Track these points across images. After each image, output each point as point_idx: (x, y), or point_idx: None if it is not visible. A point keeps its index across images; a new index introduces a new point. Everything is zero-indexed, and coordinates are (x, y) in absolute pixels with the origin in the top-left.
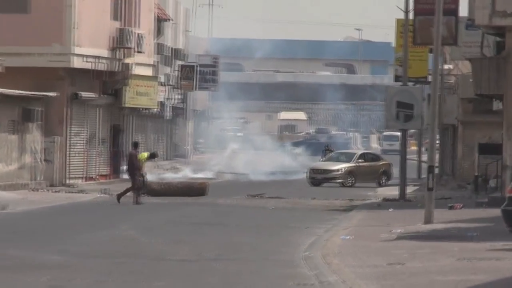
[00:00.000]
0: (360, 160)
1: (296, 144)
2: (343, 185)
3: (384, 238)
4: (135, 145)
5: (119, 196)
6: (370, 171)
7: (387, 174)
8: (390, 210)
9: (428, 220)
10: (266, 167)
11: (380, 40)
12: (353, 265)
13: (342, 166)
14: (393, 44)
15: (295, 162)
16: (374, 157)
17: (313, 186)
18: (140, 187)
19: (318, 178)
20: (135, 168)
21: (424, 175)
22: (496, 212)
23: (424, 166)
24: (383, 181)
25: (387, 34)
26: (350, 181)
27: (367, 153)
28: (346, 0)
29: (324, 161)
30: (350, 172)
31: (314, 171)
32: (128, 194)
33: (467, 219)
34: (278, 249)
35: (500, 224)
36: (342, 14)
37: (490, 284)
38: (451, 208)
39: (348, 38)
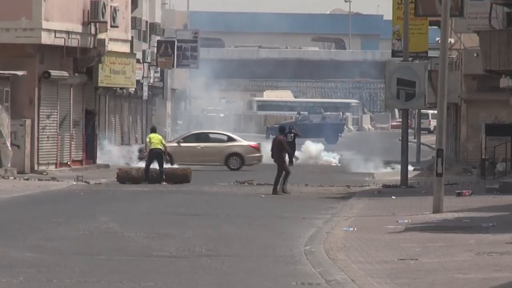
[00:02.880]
0: (181, 140)
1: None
2: None
3: (391, 230)
4: (282, 130)
5: (275, 190)
6: (202, 152)
7: (241, 157)
8: (393, 197)
9: (437, 209)
10: None
11: (371, 13)
12: (361, 261)
13: None
14: (386, 17)
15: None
16: (223, 139)
17: None
18: (289, 172)
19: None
20: (282, 153)
21: (423, 158)
22: (511, 199)
23: (423, 148)
24: (235, 165)
25: (378, 6)
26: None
27: (209, 133)
28: None
29: None
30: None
31: (139, 151)
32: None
33: (479, 207)
34: (275, 242)
35: None
36: None
37: None
38: (459, 195)
39: (336, 11)
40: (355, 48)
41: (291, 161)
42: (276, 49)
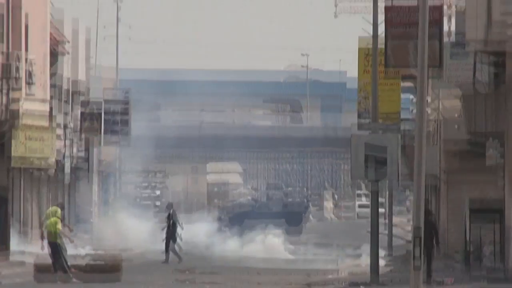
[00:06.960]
0: None
1: (239, 217)
2: None
3: None
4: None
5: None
6: None
7: None
8: None
9: None
10: None
11: (332, 69)
12: None
13: None
14: (349, 74)
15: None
16: None
17: None
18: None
19: None
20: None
21: (396, 244)
22: None
23: (396, 232)
24: None
25: (340, 60)
26: None
27: None
28: (285, 20)
29: None
30: None
31: None
32: None
33: None
34: None
35: None
36: (282, 37)
37: None
38: (440, 284)
39: (292, 68)
40: (314, 111)
41: (168, 251)
42: (221, 112)
